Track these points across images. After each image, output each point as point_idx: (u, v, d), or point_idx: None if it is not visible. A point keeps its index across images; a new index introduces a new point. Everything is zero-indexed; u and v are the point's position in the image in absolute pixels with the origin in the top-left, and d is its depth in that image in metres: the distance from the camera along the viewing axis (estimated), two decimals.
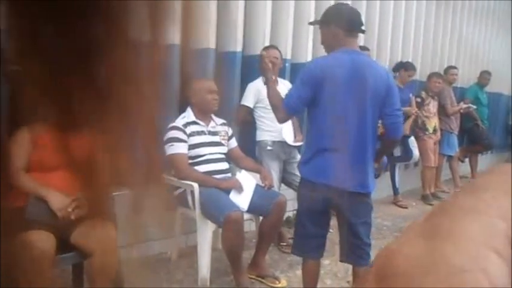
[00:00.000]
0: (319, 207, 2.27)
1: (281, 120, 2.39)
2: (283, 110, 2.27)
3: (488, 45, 7.70)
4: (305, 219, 2.32)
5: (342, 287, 3.02)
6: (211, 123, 3.07)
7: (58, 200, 2.08)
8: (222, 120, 3.17)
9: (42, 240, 1.93)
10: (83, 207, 2.11)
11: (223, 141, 3.09)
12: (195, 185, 2.80)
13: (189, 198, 2.87)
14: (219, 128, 3.10)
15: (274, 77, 2.46)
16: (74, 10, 0.34)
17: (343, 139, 2.16)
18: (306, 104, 2.23)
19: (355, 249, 2.28)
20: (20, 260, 1.84)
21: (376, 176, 4.93)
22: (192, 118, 2.98)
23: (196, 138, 2.94)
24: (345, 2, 3.51)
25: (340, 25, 2.19)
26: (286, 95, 2.29)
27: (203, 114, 3.03)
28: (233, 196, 2.84)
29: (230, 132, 3.20)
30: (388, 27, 5.37)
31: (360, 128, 2.16)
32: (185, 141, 2.90)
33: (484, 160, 7.48)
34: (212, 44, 3.31)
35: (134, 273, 2.67)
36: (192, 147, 2.92)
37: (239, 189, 2.87)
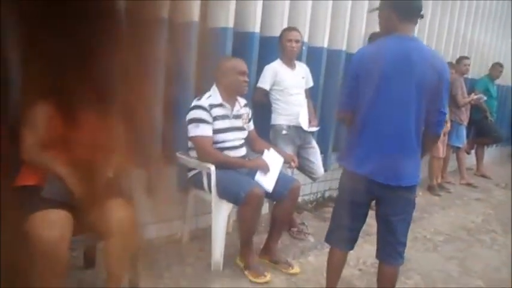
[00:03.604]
0: (358, 199, 2.18)
1: (346, 124, 2.24)
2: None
3: (501, 40, 7.60)
4: (342, 210, 2.24)
5: (354, 274, 2.99)
6: (236, 106, 2.92)
7: (76, 179, 1.99)
8: (244, 101, 3.02)
9: (61, 220, 1.85)
10: (101, 185, 2.03)
11: (245, 126, 2.99)
12: (212, 167, 2.73)
13: (205, 179, 2.80)
14: (242, 111, 2.96)
15: None
16: None
17: (385, 130, 2.05)
18: (357, 97, 2.12)
19: (387, 247, 2.19)
20: (36, 240, 1.75)
21: None
22: (219, 100, 2.80)
23: (220, 123, 2.80)
24: None
25: (394, 9, 2.05)
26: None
27: (230, 96, 2.87)
28: (259, 177, 2.78)
29: (250, 114, 3.08)
30: None
31: (403, 118, 2.03)
32: (210, 124, 2.75)
33: (490, 153, 7.45)
34: (231, 23, 3.20)
35: (144, 254, 2.62)
36: (215, 132, 2.78)
37: (265, 169, 2.80)
